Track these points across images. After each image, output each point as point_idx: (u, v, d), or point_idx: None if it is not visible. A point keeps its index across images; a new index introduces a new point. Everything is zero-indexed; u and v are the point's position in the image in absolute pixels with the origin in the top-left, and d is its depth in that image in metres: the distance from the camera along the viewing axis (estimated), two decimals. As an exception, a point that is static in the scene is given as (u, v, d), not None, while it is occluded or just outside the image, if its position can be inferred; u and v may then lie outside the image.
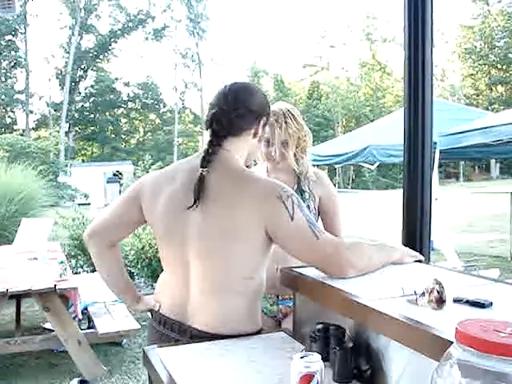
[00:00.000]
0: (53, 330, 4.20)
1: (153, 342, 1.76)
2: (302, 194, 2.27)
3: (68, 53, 41.66)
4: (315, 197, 2.31)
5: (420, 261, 1.86)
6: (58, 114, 41.47)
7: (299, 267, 1.80)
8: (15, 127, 40.35)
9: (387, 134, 7.43)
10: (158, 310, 1.81)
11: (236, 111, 1.70)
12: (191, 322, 1.70)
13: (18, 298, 4.98)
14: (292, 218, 1.59)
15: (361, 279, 1.61)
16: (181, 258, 1.70)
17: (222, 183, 1.66)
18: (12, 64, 41.12)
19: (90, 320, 4.70)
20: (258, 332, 1.74)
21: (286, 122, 2.26)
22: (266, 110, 1.80)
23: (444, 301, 1.28)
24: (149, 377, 1.72)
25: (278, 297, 2.35)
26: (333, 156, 9.31)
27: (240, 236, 1.63)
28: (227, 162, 1.70)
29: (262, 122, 1.78)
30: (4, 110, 41.77)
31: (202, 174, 1.64)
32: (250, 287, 1.70)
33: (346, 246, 1.66)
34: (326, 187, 2.36)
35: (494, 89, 45.29)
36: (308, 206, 2.25)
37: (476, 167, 42.84)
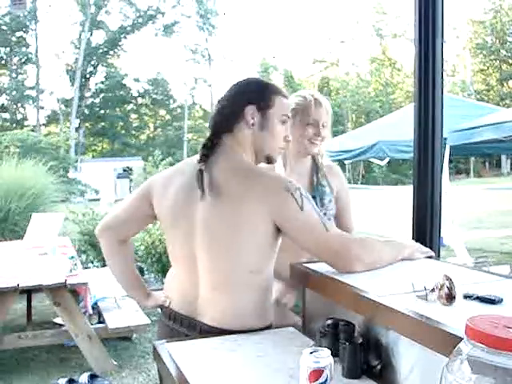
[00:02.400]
0: (63, 325, 4.23)
1: (163, 337, 1.77)
2: (323, 188, 2.26)
3: (78, 49, 41.75)
4: (333, 190, 2.30)
5: (431, 257, 1.86)
6: (69, 110, 41.58)
7: (309, 262, 1.80)
8: (26, 123, 40.45)
9: (397, 130, 7.39)
10: (168, 306, 1.81)
11: (220, 107, 1.76)
12: (200, 317, 1.70)
13: (28, 292, 5.02)
14: (302, 209, 1.60)
15: (371, 275, 1.60)
16: (188, 251, 1.71)
17: (226, 177, 1.67)
18: (23, 60, 41.24)
19: (100, 315, 4.71)
20: (268, 327, 1.74)
21: (327, 108, 2.24)
22: (255, 97, 1.73)
23: (454, 297, 1.27)
24: (158, 371, 1.73)
25: None
26: (343, 152, 9.28)
27: (246, 229, 1.63)
28: (228, 156, 1.71)
29: (251, 111, 1.71)
30: (15, 106, 41.93)
31: (200, 169, 1.67)
32: (258, 281, 1.71)
33: (354, 240, 1.67)
34: (341, 180, 2.36)
35: (505, 84, 44.94)
36: (330, 201, 2.25)
37: (487, 163, 42.56)
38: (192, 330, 1.72)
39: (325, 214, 2.21)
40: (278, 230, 1.66)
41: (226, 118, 1.74)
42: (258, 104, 1.72)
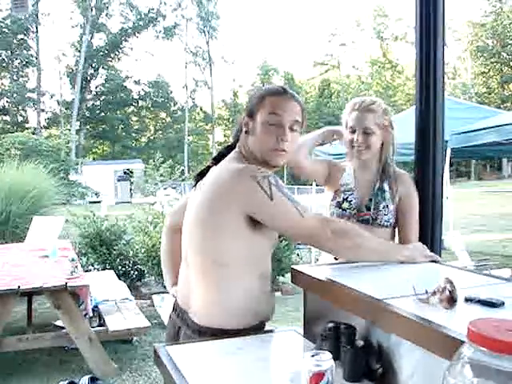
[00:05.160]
0: (64, 328, 4.22)
1: (167, 328, 1.93)
2: (382, 194, 2.24)
3: (79, 51, 41.86)
4: (396, 197, 2.25)
5: (435, 261, 1.83)
6: (69, 113, 41.69)
7: (310, 266, 1.79)
8: (27, 126, 40.51)
9: (398, 133, 7.38)
10: (175, 297, 1.93)
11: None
12: (189, 311, 1.77)
13: (29, 295, 5.02)
14: (271, 198, 1.59)
15: (372, 278, 1.60)
16: (183, 245, 1.83)
17: (211, 175, 1.75)
18: (24, 63, 41.35)
19: (100, 318, 4.72)
20: (250, 329, 1.70)
21: (370, 110, 2.22)
22: (248, 106, 1.80)
23: (455, 300, 1.27)
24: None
25: None
26: (344, 154, 9.28)
27: (214, 222, 1.65)
28: (229, 158, 1.78)
29: (244, 120, 1.78)
30: (16, 109, 42.03)
31: (208, 165, 1.82)
32: (227, 276, 1.68)
33: (333, 222, 1.74)
34: (407, 188, 2.27)
35: (506, 87, 44.99)
36: (386, 206, 2.22)
37: (488, 166, 42.61)
38: (183, 324, 1.78)
39: (376, 218, 2.22)
40: (255, 221, 1.65)
41: (235, 133, 1.88)
42: (248, 111, 1.78)
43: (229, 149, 1.84)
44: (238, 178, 1.63)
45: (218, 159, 1.81)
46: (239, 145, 1.81)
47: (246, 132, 1.78)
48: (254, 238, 1.68)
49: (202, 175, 1.82)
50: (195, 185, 1.83)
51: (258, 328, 1.73)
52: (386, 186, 2.26)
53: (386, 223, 2.22)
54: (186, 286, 1.80)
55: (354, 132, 2.24)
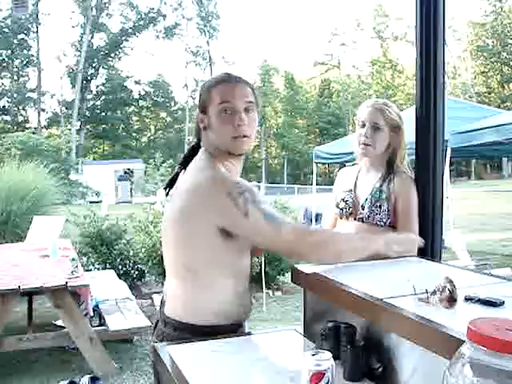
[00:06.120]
0: (64, 327, 4.22)
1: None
2: (379, 193, 2.27)
3: (79, 51, 41.85)
4: (391, 197, 2.26)
5: (422, 252, 1.83)
6: (70, 112, 41.68)
7: (310, 265, 1.79)
8: (27, 125, 40.52)
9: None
10: None
11: None
12: (164, 304, 1.81)
13: (29, 294, 5.01)
14: (246, 215, 1.57)
15: (372, 277, 1.60)
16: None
17: (184, 178, 1.75)
18: (24, 62, 41.34)
19: (101, 317, 4.71)
20: (220, 328, 1.68)
21: (382, 109, 2.28)
22: (200, 102, 1.76)
23: (455, 299, 1.27)
24: (156, 373, 1.72)
25: None
26: (344, 154, 9.27)
27: (186, 228, 1.65)
28: (196, 159, 1.76)
29: (199, 117, 1.76)
30: (16, 109, 42.02)
31: (177, 172, 1.83)
32: (195, 279, 1.69)
33: (310, 233, 1.70)
34: (405, 188, 2.27)
35: (506, 87, 44.98)
36: (380, 206, 2.25)
37: (488, 165, 42.59)
38: (159, 316, 1.81)
39: (368, 217, 2.27)
40: (228, 233, 1.63)
41: (195, 132, 1.84)
42: (200, 107, 1.76)
43: (194, 150, 1.81)
44: (214, 192, 1.60)
45: (184, 163, 1.80)
46: (203, 143, 1.78)
47: (204, 128, 1.75)
48: (227, 245, 1.66)
49: (172, 183, 1.82)
50: (167, 194, 1.83)
51: (232, 330, 1.70)
52: (384, 186, 2.28)
53: (379, 222, 2.25)
54: (167, 281, 1.85)
55: (363, 126, 2.31)
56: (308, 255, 1.67)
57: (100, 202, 18.15)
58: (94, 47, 43.56)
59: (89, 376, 3.91)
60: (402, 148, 2.33)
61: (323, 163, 11.53)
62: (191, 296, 1.70)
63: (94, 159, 40.46)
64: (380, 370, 1.36)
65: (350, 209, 2.34)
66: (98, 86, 45.58)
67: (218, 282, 1.70)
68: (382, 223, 2.24)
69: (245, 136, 1.69)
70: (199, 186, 1.63)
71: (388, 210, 2.25)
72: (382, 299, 1.34)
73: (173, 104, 49.07)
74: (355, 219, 2.31)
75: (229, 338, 1.64)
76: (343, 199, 2.37)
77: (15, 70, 41.35)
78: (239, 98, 1.69)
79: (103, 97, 45.49)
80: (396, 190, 2.26)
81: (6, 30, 38.58)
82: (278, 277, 6.83)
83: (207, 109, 1.72)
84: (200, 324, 1.67)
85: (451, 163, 7.65)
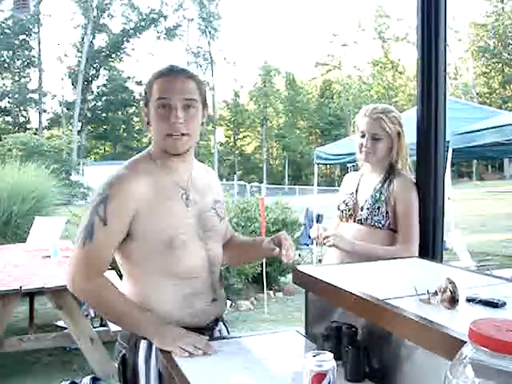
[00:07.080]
0: (65, 328, 4.22)
1: None
2: (379, 195, 2.29)
3: (81, 52, 41.84)
4: (390, 199, 2.27)
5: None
6: (71, 113, 41.66)
7: (312, 267, 1.79)
8: (28, 126, 40.49)
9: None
10: None
11: None
12: None
13: (31, 295, 5.01)
14: (105, 222, 1.60)
15: (373, 278, 1.60)
16: None
17: None
18: (25, 63, 41.33)
19: (102, 318, 4.71)
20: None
21: (380, 118, 2.28)
22: (145, 91, 1.69)
23: (457, 300, 1.27)
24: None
25: None
26: (345, 155, 9.26)
27: None
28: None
29: (144, 111, 1.71)
30: (17, 109, 42.02)
31: None
32: (137, 282, 1.69)
33: (84, 284, 1.61)
34: (404, 190, 2.28)
35: (507, 87, 44.95)
36: (378, 208, 2.26)
37: (489, 166, 42.56)
38: None
39: (367, 218, 2.28)
40: (127, 236, 1.63)
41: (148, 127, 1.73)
42: (145, 101, 1.69)
43: None
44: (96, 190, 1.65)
45: None
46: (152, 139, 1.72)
47: (147, 123, 1.69)
48: (138, 246, 1.64)
49: None
50: None
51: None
52: (383, 189, 2.30)
53: (377, 224, 2.25)
54: None
55: (363, 137, 2.32)
56: (68, 281, 1.63)
57: (101, 202, 18.10)
58: (95, 48, 43.55)
59: (90, 377, 3.90)
60: (403, 151, 2.34)
61: (324, 164, 11.53)
62: (141, 298, 1.67)
63: (95, 160, 40.45)
64: (381, 370, 1.36)
65: (350, 210, 2.36)
66: (99, 87, 45.58)
67: (156, 282, 1.64)
68: (380, 225, 2.25)
69: (182, 134, 1.60)
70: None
71: (387, 212, 2.26)
72: (383, 300, 1.34)
73: (174, 104, 49.04)
74: (354, 221, 2.33)
75: (230, 338, 1.64)
76: (344, 201, 2.40)
77: (16, 70, 41.34)
78: (177, 94, 1.59)
79: (104, 97, 45.47)
80: (395, 192, 2.27)
81: (8, 30, 38.59)
82: (279, 277, 6.83)
83: (149, 103, 1.65)
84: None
85: (452, 164, 7.64)
